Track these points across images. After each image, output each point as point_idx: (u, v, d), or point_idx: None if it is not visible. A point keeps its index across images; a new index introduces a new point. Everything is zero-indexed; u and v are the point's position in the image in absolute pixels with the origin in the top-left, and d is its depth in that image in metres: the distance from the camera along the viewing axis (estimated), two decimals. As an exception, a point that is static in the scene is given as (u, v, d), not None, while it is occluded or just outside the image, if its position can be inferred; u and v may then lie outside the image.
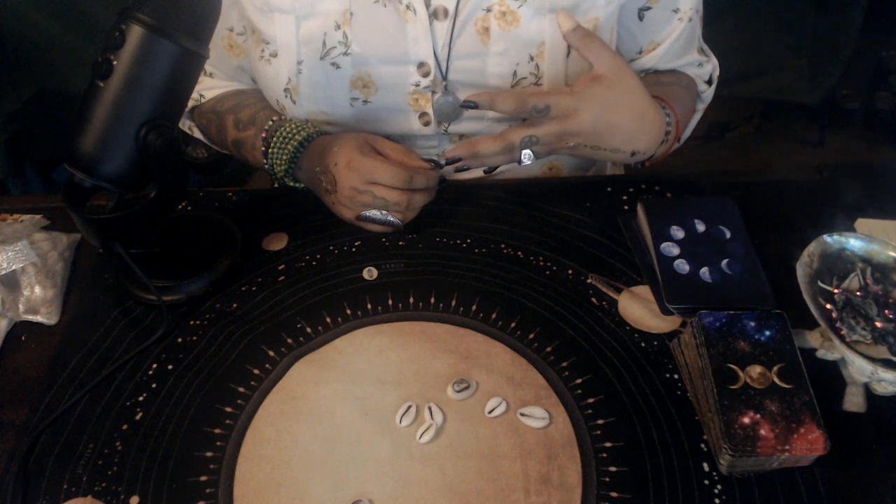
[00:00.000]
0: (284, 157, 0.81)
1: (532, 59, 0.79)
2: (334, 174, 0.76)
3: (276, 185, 0.87)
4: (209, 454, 0.62)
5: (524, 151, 0.72)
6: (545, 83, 0.80)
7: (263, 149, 0.83)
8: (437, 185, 0.77)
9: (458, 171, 0.74)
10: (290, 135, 0.81)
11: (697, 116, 0.95)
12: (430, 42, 0.78)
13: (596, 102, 0.70)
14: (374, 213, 0.76)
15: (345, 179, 0.75)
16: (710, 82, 0.93)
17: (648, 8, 0.82)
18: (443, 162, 0.74)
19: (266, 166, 0.84)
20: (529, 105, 0.69)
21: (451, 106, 0.82)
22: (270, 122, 0.83)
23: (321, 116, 0.83)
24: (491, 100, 0.70)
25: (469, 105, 0.71)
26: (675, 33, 0.85)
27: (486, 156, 0.72)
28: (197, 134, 0.97)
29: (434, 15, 0.77)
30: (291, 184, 0.84)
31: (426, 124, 0.84)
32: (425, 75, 0.80)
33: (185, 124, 0.96)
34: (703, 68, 0.91)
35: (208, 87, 0.91)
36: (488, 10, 0.76)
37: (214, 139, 0.93)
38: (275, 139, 0.81)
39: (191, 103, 0.91)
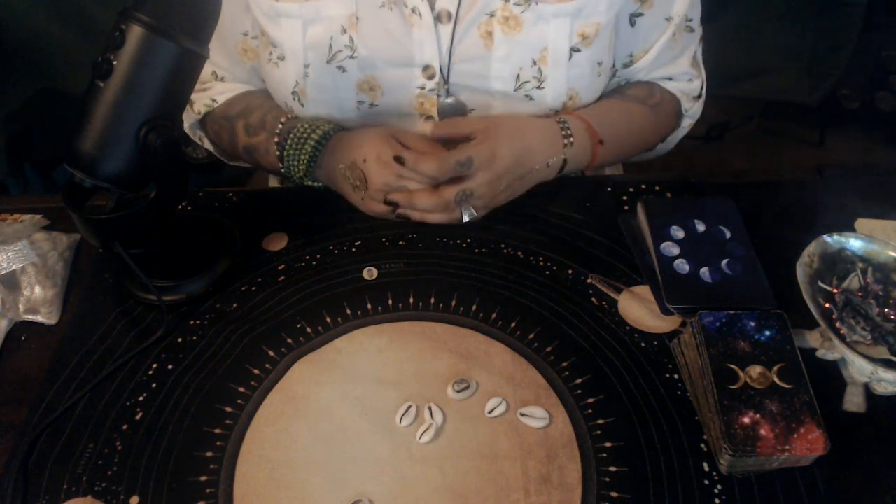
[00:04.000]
0: (303, 158, 0.81)
1: (535, 63, 0.79)
2: (363, 170, 0.77)
3: (284, 185, 0.86)
4: (209, 454, 0.62)
5: (464, 209, 0.77)
6: (547, 86, 0.80)
7: (278, 153, 0.82)
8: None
9: (399, 218, 0.79)
10: (304, 135, 0.81)
11: (682, 132, 0.96)
12: (435, 45, 0.78)
13: (505, 136, 0.77)
14: (407, 212, 0.78)
15: (376, 175, 0.76)
16: (698, 97, 0.93)
17: (640, 14, 0.82)
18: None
19: (283, 170, 0.84)
20: (452, 162, 0.74)
21: (455, 109, 0.82)
22: (280, 125, 0.83)
23: (328, 120, 0.84)
24: (415, 161, 0.74)
25: (398, 160, 0.75)
26: (665, 38, 0.85)
27: (424, 210, 0.77)
28: (207, 145, 0.97)
29: (438, 18, 0.77)
30: (310, 183, 0.84)
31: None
32: (430, 78, 0.80)
33: (197, 135, 0.96)
34: (693, 83, 0.91)
35: (220, 92, 0.91)
36: (491, 15, 0.77)
37: (227, 147, 0.92)
38: (289, 141, 0.81)
39: (203, 109, 0.90)
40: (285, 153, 0.82)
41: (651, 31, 0.84)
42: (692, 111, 0.93)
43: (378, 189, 0.77)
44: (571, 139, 0.80)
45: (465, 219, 0.78)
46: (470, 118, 0.82)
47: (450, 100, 0.82)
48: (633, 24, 0.83)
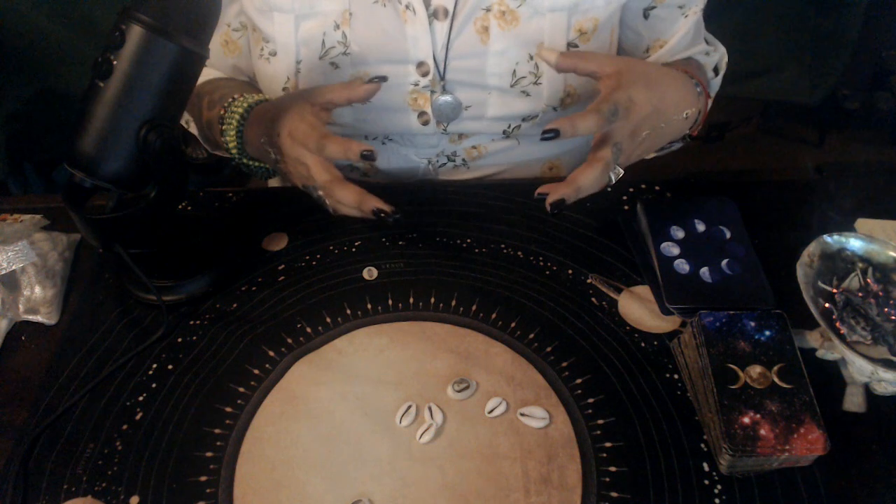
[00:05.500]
0: (233, 134, 0.78)
1: (531, 58, 0.79)
2: (280, 145, 0.72)
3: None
4: (209, 454, 0.62)
5: (612, 171, 0.69)
6: (544, 82, 0.80)
7: (220, 126, 0.79)
8: (393, 218, 0.71)
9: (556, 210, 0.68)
10: (236, 108, 0.78)
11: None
12: (429, 42, 0.78)
13: (640, 82, 0.68)
14: (312, 187, 0.73)
15: (289, 149, 0.72)
16: (716, 70, 0.92)
17: (654, 7, 0.82)
18: (541, 198, 0.68)
19: (224, 146, 0.80)
20: (605, 113, 0.65)
21: (450, 105, 0.82)
22: (231, 99, 0.79)
23: None
24: (573, 127, 0.65)
25: (549, 136, 0.65)
26: (682, 31, 0.85)
27: (587, 178, 0.68)
28: (193, 129, 0.97)
29: (434, 15, 0.77)
30: (247, 161, 0.80)
31: (425, 123, 0.84)
32: (424, 75, 0.80)
33: (184, 118, 0.95)
34: (711, 57, 0.90)
35: (203, 77, 0.89)
36: (488, 10, 0.77)
37: (197, 125, 0.90)
38: (226, 115, 0.78)
39: None
40: (224, 127, 0.78)
41: (666, 22, 0.84)
42: (713, 83, 0.91)
43: (290, 165, 0.72)
44: (699, 89, 0.75)
45: (613, 179, 0.69)
46: (596, 54, 0.73)
47: (445, 97, 0.82)
48: (646, 16, 0.83)
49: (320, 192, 0.72)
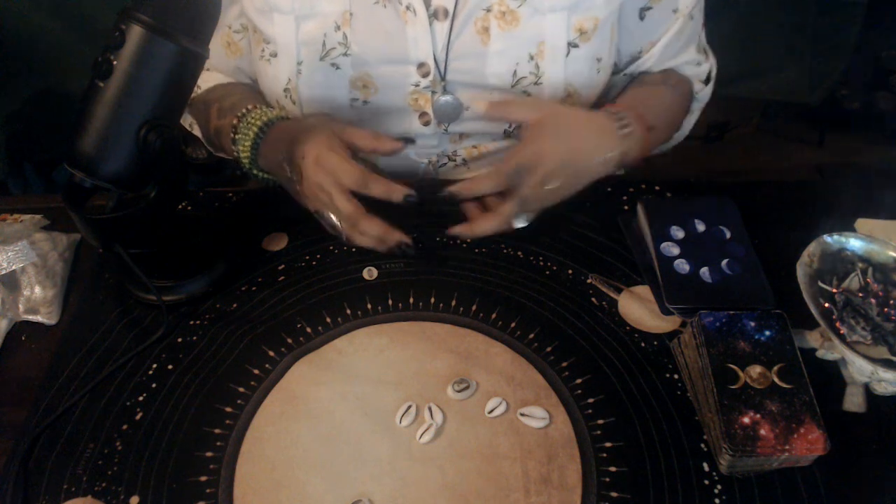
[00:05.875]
0: (247, 144, 0.78)
1: (532, 58, 0.79)
2: (301, 167, 0.72)
3: (240, 173, 0.85)
4: (209, 454, 0.62)
5: (516, 216, 0.74)
6: (545, 82, 0.80)
7: (232, 135, 0.80)
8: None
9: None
10: (253, 121, 0.78)
11: (693, 117, 0.95)
12: (429, 42, 0.78)
13: (553, 134, 0.73)
14: (330, 215, 0.73)
15: (312, 175, 0.72)
16: (707, 81, 0.92)
17: (649, 8, 0.82)
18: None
19: (235, 154, 0.81)
20: (504, 175, 0.72)
21: (450, 106, 0.82)
22: (245, 109, 0.79)
23: None
24: (471, 191, 0.74)
25: (450, 201, 0.74)
26: (672, 31, 0.85)
27: (483, 227, 0.75)
28: (196, 131, 0.97)
29: (434, 15, 0.77)
30: (256, 173, 0.81)
31: (426, 124, 0.84)
32: (425, 75, 0.80)
33: (187, 120, 0.96)
34: (701, 67, 0.91)
35: (205, 81, 0.91)
36: (488, 10, 0.77)
37: (203, 131, 0.92)
38: (241, 125, 0.79)
39: None
40: (237, 136, 0.79)
41: (659, 24, 0.84)
42: (701, 95, 0.93)
43: (311, 190, 0.73)
44: (628, 129, 0.76)
45: (519, 224, 0.75)
46: (524, 102, 0.78)
47: (446, 97, 0.82)
48: (642, 17, 0.83)
49: (335, 220, 0.73)
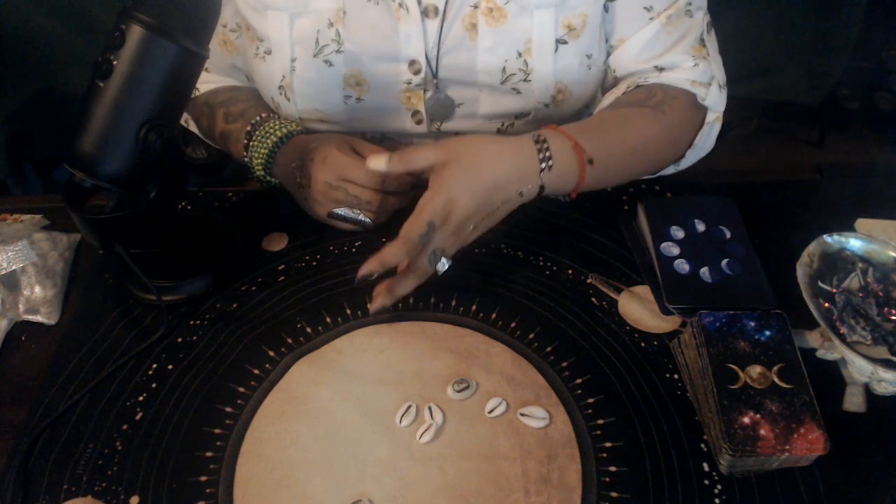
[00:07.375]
0: (263, 152, 0.82)
1: (520, 55, 0.79)
2: (309, 169, 0.76)
3: (253, 180, 0.87)
4: (209, 454, 0.62)
5: (438, 263, 0.69)
6: (534, 79, 0.80)
7: (245, 142, 0.83)
8: (411, 190, 0.77)
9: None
10: (271, 130, 0.82)
11: (710, 129, 0.85)
12: (421, 40, 0.78)
13: (462, 178, 0.67)
14: (346, 211, 0.76)
15: (319, 174, 0.76)
16: (709, 83, 0.83)
17: (612, 0, 0.80)
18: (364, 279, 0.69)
19: (245, 160, 0.84)
20: (415, 239, 0.66)
21: (443, 104, 0.82)
22: (258, 118, 0.83)
23: (315, 115, 0.84)
24: (382, 264, 0.67)
25: (362, 281, 0.68)
26: (649, 33, 0.80)
27: (404, 287, 0.70)
28: (192, 127, 0.97)
29: (425, 13, 0.77)
30: (266, 178, 0.84)
31: (419, 122, 0.84)
32: (416, 73, 0.80)
33: (183, 117, 0.96)
34: (699, 68, 0.82)
35: (204, 81, 0.92)
36: (475, 7, 0.77)
37: (205, 130, 0.94)
38: (257, 133, 0.82)
39: None
40: (251, 143, 0.82)
41: (627, 20, 0.80)
42: (709, 99, 0.82)
43: (318, 189, 0.76)
44: (550, 162, 0.69)
45: (443, 269, 0.70)
46: (426, 148, 0.70)
47: (438, 95, 0.82)
48: (606, 9, 0.80)
49: (354, 213, 0.77)
